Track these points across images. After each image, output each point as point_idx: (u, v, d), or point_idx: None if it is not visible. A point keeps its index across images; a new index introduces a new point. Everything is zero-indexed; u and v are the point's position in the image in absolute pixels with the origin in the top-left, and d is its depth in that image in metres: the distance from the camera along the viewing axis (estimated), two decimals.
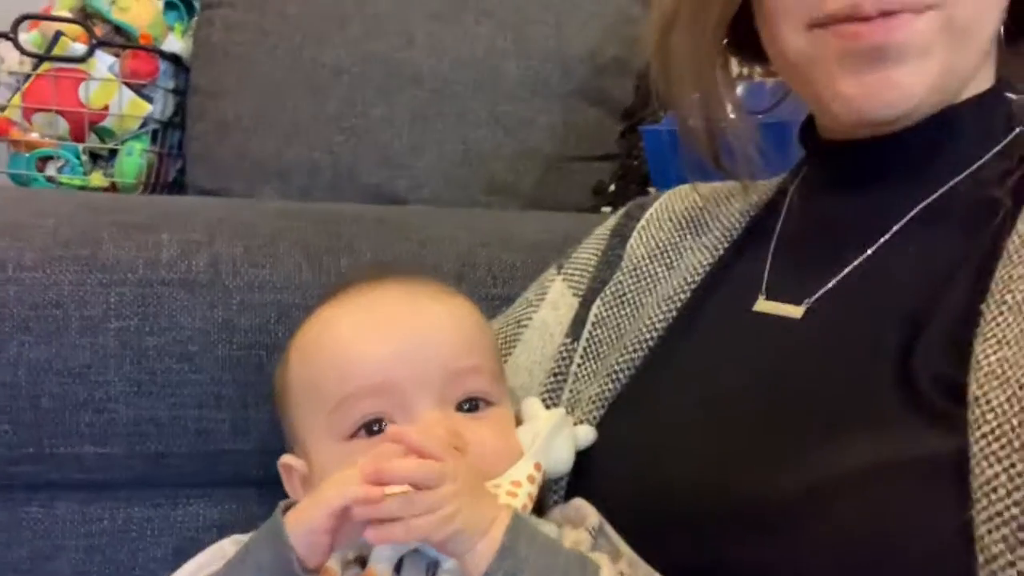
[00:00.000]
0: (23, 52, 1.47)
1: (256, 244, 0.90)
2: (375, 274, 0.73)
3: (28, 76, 1.50)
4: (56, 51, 1.47)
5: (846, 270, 0.66)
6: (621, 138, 1.49)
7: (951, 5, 0.62)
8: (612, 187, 1.43)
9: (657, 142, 1.17)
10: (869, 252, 0.66)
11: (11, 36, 1.46)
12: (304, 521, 0.58)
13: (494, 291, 0.91)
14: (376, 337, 0.67)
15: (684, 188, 0.85)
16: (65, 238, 0.87)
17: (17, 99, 1.51)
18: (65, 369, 0.84)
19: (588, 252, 0.85)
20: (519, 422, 0.72)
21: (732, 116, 0.76)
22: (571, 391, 0.78)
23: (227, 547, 0.65)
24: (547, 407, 0.78)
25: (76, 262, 0.85)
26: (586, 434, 0.71)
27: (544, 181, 1.49)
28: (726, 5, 0.70)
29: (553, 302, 0.84)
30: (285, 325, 0.86)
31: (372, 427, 0.65)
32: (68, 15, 1.51)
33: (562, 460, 0.69)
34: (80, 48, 1.47)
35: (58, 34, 1.48)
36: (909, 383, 0.56)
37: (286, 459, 0.71)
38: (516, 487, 0.64)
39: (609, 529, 0.65)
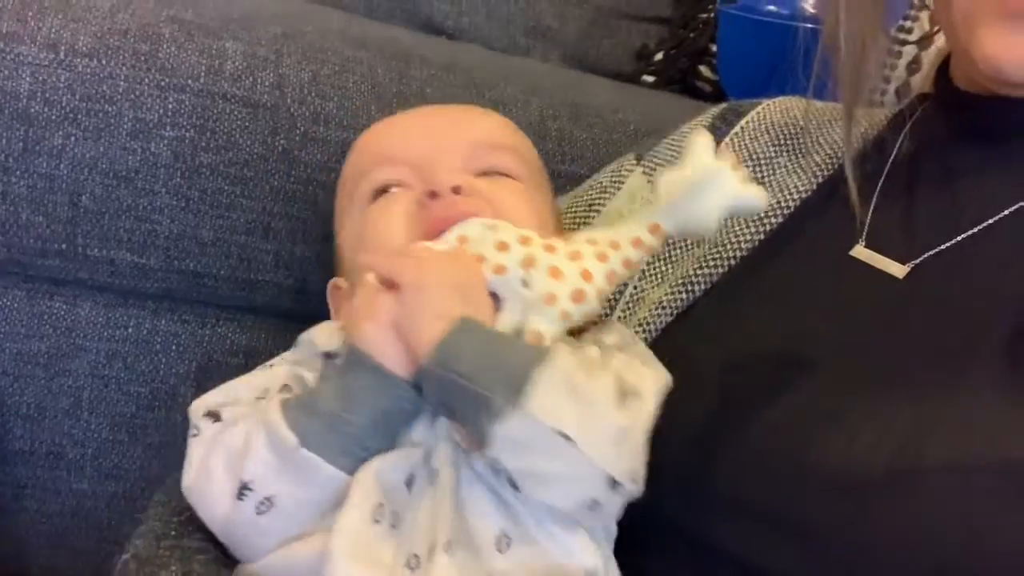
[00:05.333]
0: None
1: (324, 73, 0.84)
2: None
3: None
4: None
5: (962, 236, 0.63)
6: (676, 2, 1.42)
7: None
8: (659, 55, 1.38)
9: (733, 27, 1.12)
10: (991, 221, 0.63)
11: None
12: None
13: (562, 167, 0.88)
14: (405, 121, 0.70)
15: (785, 101, 0.81)
16: (123, 27, 0.80)
17: None
18: (111, 170, 0.79)
19: (673, 150, 0.82)
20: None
21: (880, 35, 0.72)
22: (635, 287, 0.77)
23: (279, 372, 0.62)
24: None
25: (134, 57, 0.79)
26: (754, 199, 0.56)
27: (589, 34, 1.42)
28: None
29: (630, 193, 0.82)
30: None
31: (392, 185, 0.65)
32: None
33: (701, 226, 0.56)
34: None
35: None
36: (1016, 371, 0.56)
37: (336, 281, 0.70)
38: (614, 248, 0.57)
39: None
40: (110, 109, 0.78)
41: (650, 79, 1.38)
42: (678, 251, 0.77)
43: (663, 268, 0.77)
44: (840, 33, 0.70)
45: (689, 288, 0.73)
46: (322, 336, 0.63)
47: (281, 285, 0.85)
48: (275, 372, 0.62)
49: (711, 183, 0.55)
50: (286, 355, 0.65)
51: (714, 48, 1.29)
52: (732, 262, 0.73)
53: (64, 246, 0.80)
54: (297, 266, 0.84)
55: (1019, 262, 0.62)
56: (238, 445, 0.56)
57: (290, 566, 0.56)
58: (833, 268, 0.68)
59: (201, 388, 0.86)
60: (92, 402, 0.85)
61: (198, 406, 0.61)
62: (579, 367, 0.54)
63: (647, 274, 0.77)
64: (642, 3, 1.43)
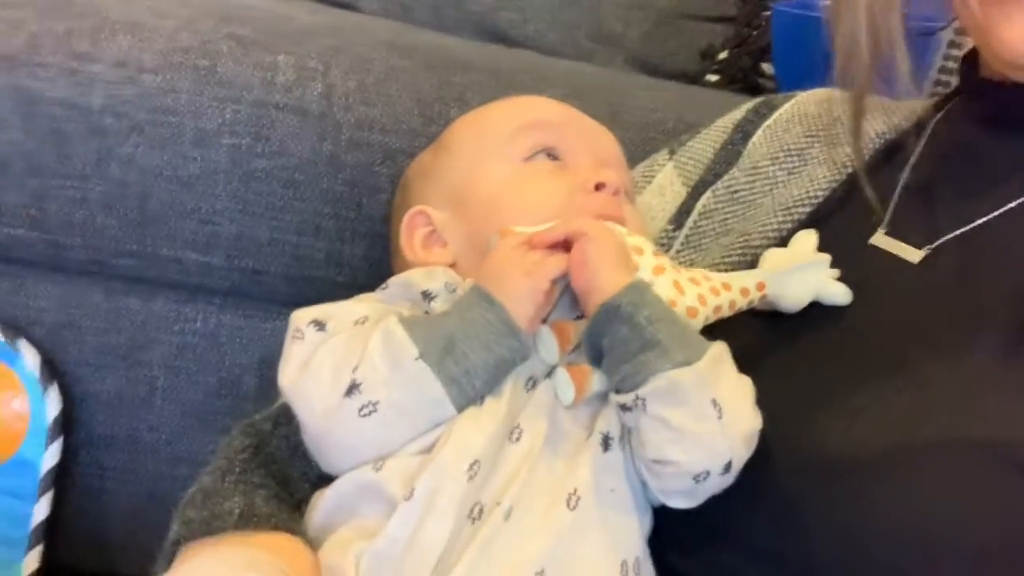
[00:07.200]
0: None
1: (369, 81, 0.89)
2: None
3: None
4: None
5: (981, 220, 0.63)
6: (742, 2, 1.42)
7: None
8: (723, 54, 1.38)
9: (786, 24, 1.12)
10: (1012, 205, 0.63)
11: None
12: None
13: None
14: (575, 113, 0.73)
15: (820, 92, 0.81)
16: (185, 45, 0.87)
17: None
18: (175, 176, 0.86)
19: (705, 143, 0.83)
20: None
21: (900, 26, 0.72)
22: None
23: (376, 307, 0.62)
24: None
25: (195, 72, 0.86)
26: (838, 295, 0.65)
27: (652, 36, 1.42)
28: None
29: (660, 187, 0.83)
30: (389, 168, 0.87)
31: (551, 154, 0.69)
32: None
33: (792, 299, 0.65)
34: None
35: None
36: (1018, 357, 0.56)
37: (424, 208, 0.69)
38: (726, 288, 0.63)
39: None
40: (173, 120, 0.85)
41: (714, 78, 1.39)
42: (707, 239, 0.78)
43: (692, 256, 0.78)
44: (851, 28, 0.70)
45: None
46: (419, 276, 0.64)
47: (332, 281, 0.90)
48: (371, 305, 0.63)
49: (812, 269, 0.64)
50: (370, 295, 0.66)
51: None
52: (759, 251, 0.73)
53: (136, 247, 0.88)
54: (346, 263, 0.89)
55: None
56: (348, 349, 0.57)
57: (356, 492, 0.57)
58: (853, 256, 0.68)
59: (264, 378, 0.93)
60: (165, 391, 0.92)
61: (303, 314, 0.62)
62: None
63: (676, 262, 0.79)
64: (706, 3, 1.44)
